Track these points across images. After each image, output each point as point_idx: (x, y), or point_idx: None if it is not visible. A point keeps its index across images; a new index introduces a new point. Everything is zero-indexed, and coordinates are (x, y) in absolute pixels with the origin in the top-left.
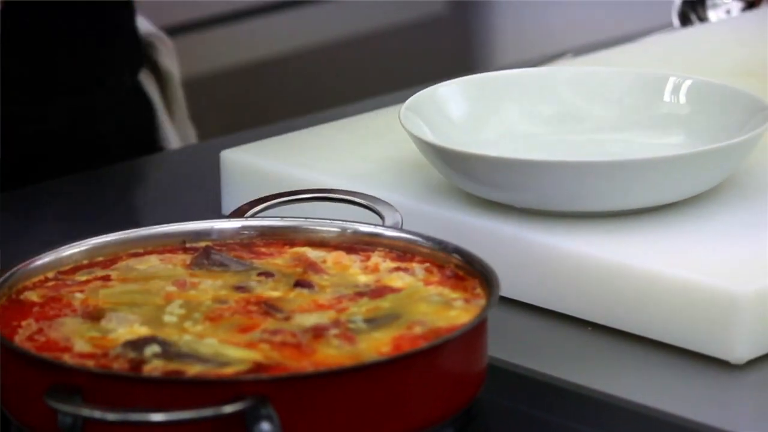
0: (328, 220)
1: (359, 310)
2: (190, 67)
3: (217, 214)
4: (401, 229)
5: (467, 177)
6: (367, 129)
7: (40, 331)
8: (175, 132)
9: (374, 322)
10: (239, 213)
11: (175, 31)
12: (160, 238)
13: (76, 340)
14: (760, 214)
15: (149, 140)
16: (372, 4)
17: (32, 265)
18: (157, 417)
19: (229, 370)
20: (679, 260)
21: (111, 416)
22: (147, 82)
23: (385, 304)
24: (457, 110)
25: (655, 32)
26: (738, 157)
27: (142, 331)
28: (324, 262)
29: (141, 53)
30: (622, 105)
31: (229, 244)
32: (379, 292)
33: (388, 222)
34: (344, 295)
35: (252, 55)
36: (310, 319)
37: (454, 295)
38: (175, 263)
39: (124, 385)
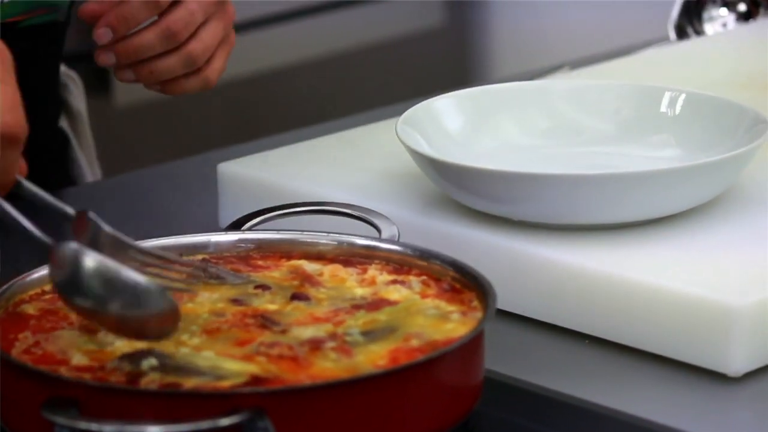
0: (324, 233)
1: (356, 322)
2: None
3: (215, 227)
4: (398, 242)
5: (464, 190)
6: (364, 142)
7: (37, 344)
8: (88, 168)
9: (371, 334)
10: (236, 226)
11: None
12: (157, 251)
13: (73, 352)
14: (757, 227)
15: (63, 174)
16: (368, 18)
17: (29, 278)
18: (154, 430)
19: (226, 383)
20: (676, 273)
21: (108, 429)
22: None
23: (382, 316)
24: (453, 123)
25: (651, 45)
26: (734, 170)
27: (139, 344)
28: (321, 274)
29: (60, 100)
30: (618, 118)
31: (226, 257)
32: (376, 304)
33: (384, 235)
34: (341, 308)
35: (248, 68)
36: (307, 332)
37: (451, 308)
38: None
39: (121, 397)
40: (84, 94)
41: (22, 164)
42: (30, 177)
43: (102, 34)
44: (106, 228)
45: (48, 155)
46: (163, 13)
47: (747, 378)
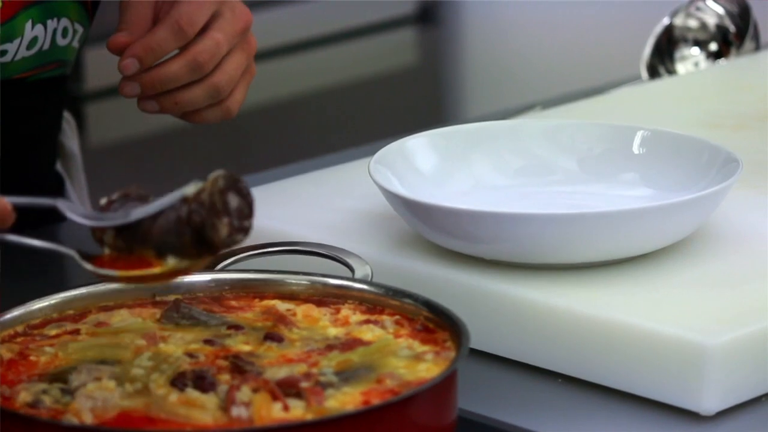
0: (298, 273)
1: (330, 363)
2: (161, 120)
3: None
4: (371, 282)
5: (436, 229)
6: (337, 181)
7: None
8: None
9: (345, 374)
10: (209, 266)
11: None
12: (130, 292)
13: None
14: (729, 265)
15: (57, 215)
16: (341, 57)
17: (1, 319)
18: None
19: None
20: (648, 312)
21: None
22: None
23: (355, 357)
24: (426, 163)
25: (623, 84)
26: (706, 209)
27: (111, 384)
28: (294, 314)
29: (57, 145)
30: (590, 157)
31: (199, 297)
32: (349, 344)
33: (357, 274)
34: (314, 348)
35: None
36: (281, 372)
37: (424, 348)
38: (145, 317)
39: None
40: (77, 135)
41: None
42: (26, 220)
43: (129, 65)
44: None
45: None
46: (188, 43)
47: (719, 417)
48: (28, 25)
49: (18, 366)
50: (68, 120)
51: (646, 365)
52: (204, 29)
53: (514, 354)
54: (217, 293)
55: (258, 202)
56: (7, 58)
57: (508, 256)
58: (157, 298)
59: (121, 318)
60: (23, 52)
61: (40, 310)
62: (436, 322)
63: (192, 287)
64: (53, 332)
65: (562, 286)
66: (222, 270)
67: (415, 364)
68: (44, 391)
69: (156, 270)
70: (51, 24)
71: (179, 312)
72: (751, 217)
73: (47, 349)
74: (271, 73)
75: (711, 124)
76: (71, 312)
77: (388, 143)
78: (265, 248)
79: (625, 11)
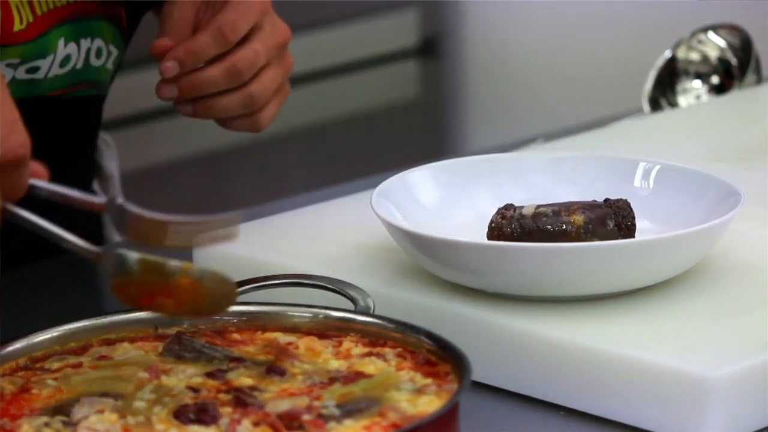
0: (300, 305)
1: (331, 396)
2: (164, 152)
3: None
4: (373, 315)
5: (438, 262)
6: (339, 214)
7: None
8: None
9: (346, 407)
10: None
11: (150, 115)
12: (132, 325)
13: None
14: (730, 297)
15: (97, 235)
16: (343, 90)
17: (3, 352)
18: None
19: None
20: (650, 344)
21: None
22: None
23: (357, 390)
24: (428, 195)
25: (625, 117)
26: (708, 242)
27: (113, 417)
28: (296, 347)
29: (93, 165)
30: (592, 190)
31: (201, 330)
32: (351, 377)
33: (359, 307)
34: (316, 382)
35: (222, 141)
36: (283, 405)
37: (426, 381)
38: (147, 350)
39: None
40: (117, 158)
41: (39, 169)
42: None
43: (169, 68)
44: (136, 210)
45: (81, 217)
46: (228, 51)
47: None
48: (61, 42)
49: (20, 400)
50: (107, 142)
51: (649, 398)
52: (244, 39)
53: (516, 387)
54: (220, 326)
55: (260, 234)
56: (40, 74)
57: (510, 288)
58: (160, 331)
59: (124, 351)
60: (56, 70)
61: (42, 342)
62: (438, 355)
63: (195, 320)
64: (55, 365)
65: (564, 319)
66: None
67: (417, 397)
68: (46, 424)
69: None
70: (84, 43)
71: (181, 345)
72: (753, 250)
73: (49, 382)
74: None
75: (713, 157)
76: (73, 345)
77: (390, 176)
78: (267, 281)
79: (627, 44)
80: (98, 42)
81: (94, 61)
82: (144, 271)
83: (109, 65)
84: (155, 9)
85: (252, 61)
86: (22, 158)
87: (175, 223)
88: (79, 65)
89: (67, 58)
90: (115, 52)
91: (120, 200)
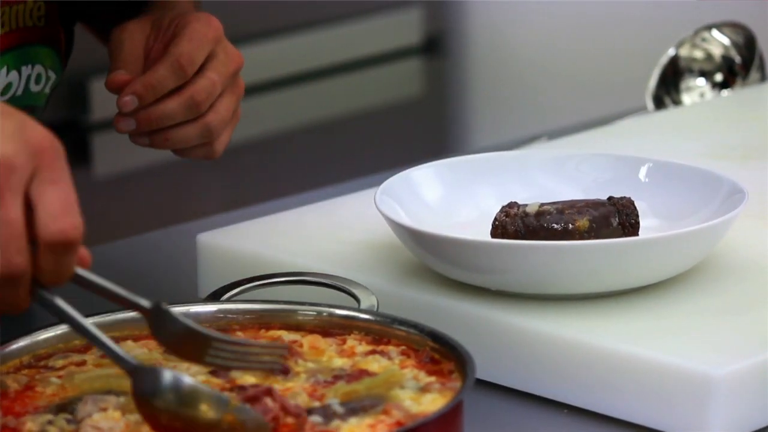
0: (304, 303)
1: (335, 394)
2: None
3: (194, 298)
4: (377, 312)
5: (442, 259)
6: (343, 212)
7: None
8: None
9: (350, 405)
10: (216, 296)
11: None
12: (137, 322)
13: None
14: (735, 296)
15: None
16: (346, 88)
17: (8, 350)
18: None
19: None
20: (654, 342)
21: None
22: None
23: (361, 388)
24: (432, 193)
25: (629, 115)
26: (712, 239)
27: (116, 415)
28: (300, 345)
29: None
30: (596, 188)
31: (206, 328)
32: (355, 375)
33: (363, 305)
34: (320, 381)
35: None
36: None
37: (430, 378)
38: (151, 348)
39: None
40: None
41: (85, 255)
42: None
43: (128, 102)
44: (182, 320)
45: None
46: (185, 83)
47: None
48: (3, 71)
49: (24, 397)
50: None
51: (652, 396)
52: (199, 69)
53: (520, 385)
54: (224, 323)
55: (264, 232)
56: None
57: (514, 286)
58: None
59: (128, 349)
60: None
61: (46, 340)
62: (442, 353)
63: (198, 318)
64: (59, 363)
65: (567, 316)
66: (228, 300)
67: (421, 395)
68: (50, 422)
69: None
70: (25, 70)
71: None
72: (756, 248)
73: (53, 379)
74: (277, 103)
75: (716, 154)
76: (77, 343)
77: (394, 174)
78: (270, 279)
79: (631, 42)
80: (38, 68)
81: (33, 87)
82: (190, 401)
83: (47, 90)
84: (90, 26)
85: (209, 91)
86: (73, 242)
87: (219, 341)
88: (19, 92)
89: (8, 87)
90: (53, 77)
91: (165, 306)
